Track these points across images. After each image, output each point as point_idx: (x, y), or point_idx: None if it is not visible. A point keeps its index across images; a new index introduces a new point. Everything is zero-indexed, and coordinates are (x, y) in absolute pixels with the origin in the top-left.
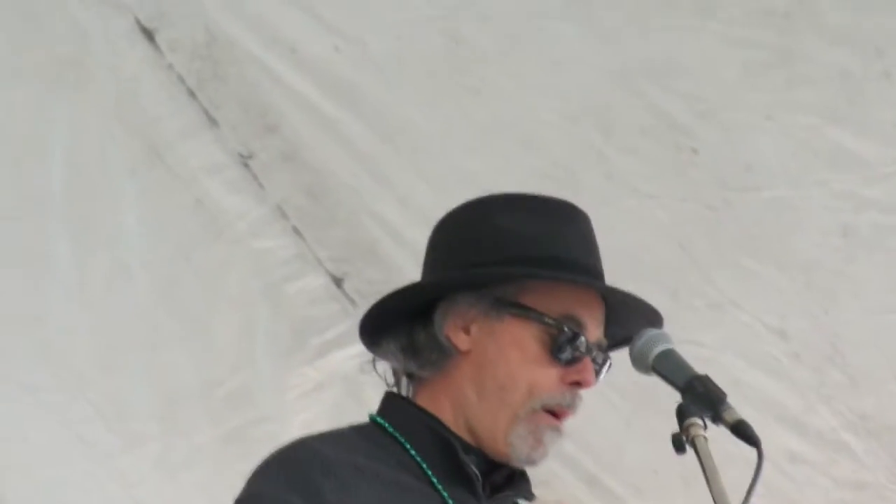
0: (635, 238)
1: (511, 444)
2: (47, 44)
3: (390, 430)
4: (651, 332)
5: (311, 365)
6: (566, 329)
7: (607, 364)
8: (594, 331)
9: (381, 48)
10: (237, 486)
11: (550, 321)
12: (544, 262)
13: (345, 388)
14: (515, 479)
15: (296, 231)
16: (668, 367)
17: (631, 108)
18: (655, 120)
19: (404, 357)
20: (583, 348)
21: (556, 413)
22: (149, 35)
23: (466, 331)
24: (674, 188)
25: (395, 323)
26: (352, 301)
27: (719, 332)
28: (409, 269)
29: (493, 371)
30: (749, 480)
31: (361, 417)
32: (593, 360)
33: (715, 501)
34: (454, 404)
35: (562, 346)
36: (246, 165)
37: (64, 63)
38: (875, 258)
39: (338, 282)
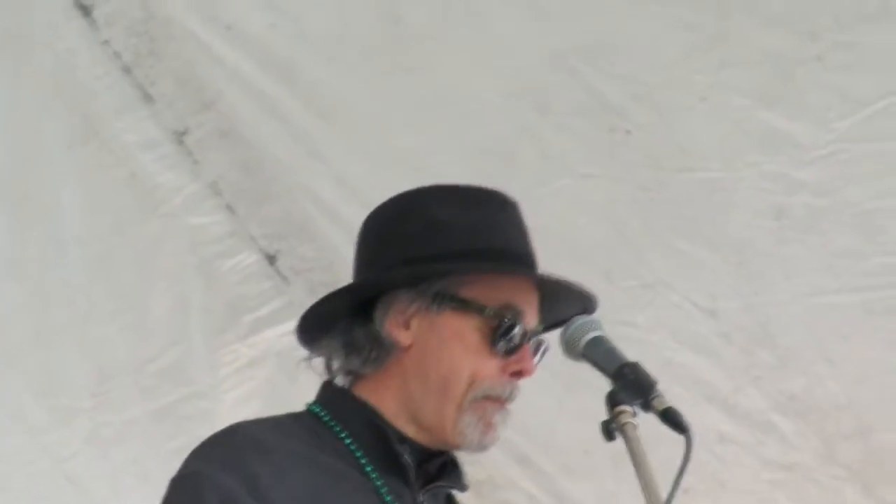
0: (569, 218)
1: (461, 432)
2: None
3: (326, 419)
4: (581, 320)
5: (243, 342)
6: (506, 319)
7: (543, 349)
8: (531, 318)
9: (317, 25)
10: (169, 461)
11: (490, 312)
12: (481, 253)
13: (277, 364)
14: (448, 469)
15: (229, 208)
16: (599, 355)
17: (567, 87)
18: (591, 100)
19: (346, 354)
20: (522, 337)
21: (497, 401)
22: (85, 10)
23: (407, 326)
24: (608, 168)
25: (333, 321)
26: (284, 279)
27: (651, 313)
28: (343, 247)
29: (436, 364)
30: (679, 460)
31: (294, 395)
32: (532, 348)
33: (643, 489)
34: (397, 398)
35: (501, 336)
36: (181, 142)
37: (3, 35)
38: (807, 240)
39: (271, 259)
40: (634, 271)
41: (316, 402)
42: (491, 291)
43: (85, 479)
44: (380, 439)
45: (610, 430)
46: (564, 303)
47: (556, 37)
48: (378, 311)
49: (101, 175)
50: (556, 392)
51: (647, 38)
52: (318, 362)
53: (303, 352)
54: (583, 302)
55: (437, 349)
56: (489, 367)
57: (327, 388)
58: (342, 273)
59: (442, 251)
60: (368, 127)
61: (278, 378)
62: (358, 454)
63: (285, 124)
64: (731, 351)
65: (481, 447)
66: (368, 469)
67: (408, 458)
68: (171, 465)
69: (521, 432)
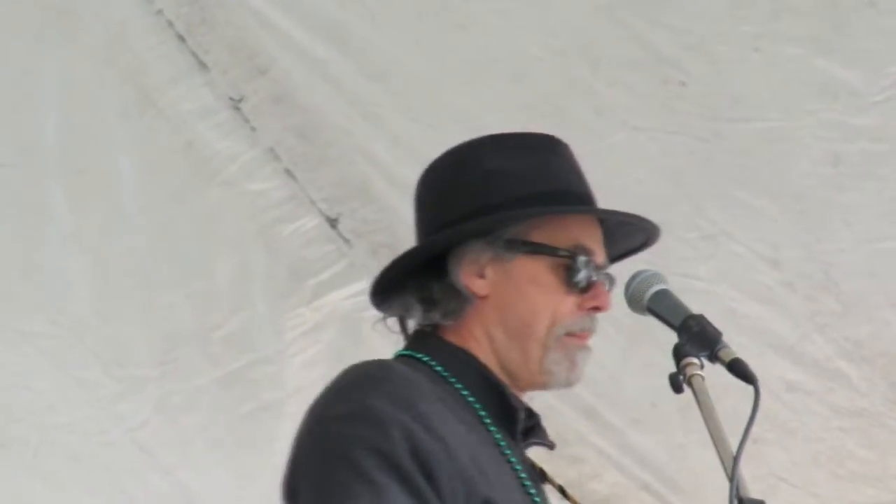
0: (626, 172)
1: (548, 370)
2: None
3: (439, 369)
4: (645, 274)
5: (307, 306)
6: (578, 258)
7: (613, 285)
8: (600, 254)
9: None
10: (238, 427)
11: (562, 252)
12: (544, 197)
13: (342, 327)
14: (537, 426)
15: (288, 173)
16: (663, 308)
17: (618, 41)
18: (643, 53)
19: (424, 309)
20: (595, 273)
21: (578, 337)
22: None
23: (481, 275)
24: (663, 121)
25: (405, 280)
26: (347, 241)
27: (713, 264)
28: (402, 207)
29: (515, 309)
30: (747, 410)
31: (360, 356)
32: (605, 283)
33: (713, 440)
34: (484, 348)
35: (576, 274)
36: (237, 108)
37: (53, 11)
38: (866, 186)
39: (332, 222)
40: (694, 223)
41: (417, 350)
42: (559, 232)
43: (156, 447)
44: (494, 392)
45: (677, 382)
46: (628, 236)
47: None
48: (451, 264)
49: (158, 144)
50: (621, 345)
51: None
52: (392, 322)
53: (368, 313)
54: (646, 232)
55: (515, 294)
56: (567, 304)
57: (425, 339)
58: (402, 233)
59: (506, 199)
60: (421, 87)
61: (343, 340)
62: (477, 406)
63: (339, 88)
64: (794, 299)
65: (568, 384)
66: (487, 422)
67: (521, 412)
68: (241, 430)
69: (587, 387)
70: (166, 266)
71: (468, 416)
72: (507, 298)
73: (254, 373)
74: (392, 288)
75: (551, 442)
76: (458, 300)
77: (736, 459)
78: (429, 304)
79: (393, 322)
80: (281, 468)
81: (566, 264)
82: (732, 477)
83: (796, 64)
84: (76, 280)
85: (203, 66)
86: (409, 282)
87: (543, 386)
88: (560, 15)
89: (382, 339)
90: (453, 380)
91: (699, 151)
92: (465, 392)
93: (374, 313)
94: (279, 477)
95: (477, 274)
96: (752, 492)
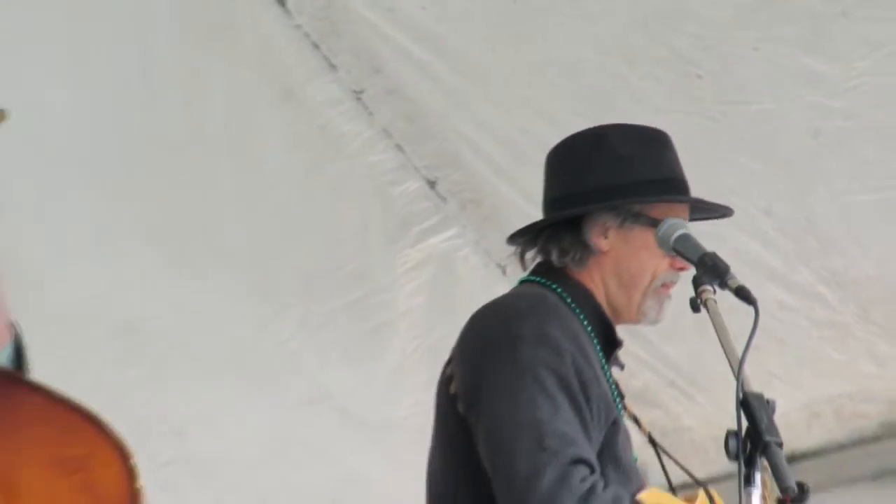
0: None
1: (644, 312)
2: (201, 12)
3: (568, 300)
4: (672, 221)
5: (412, 248)
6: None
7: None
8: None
9: (457, 6)
10: (364, 340)
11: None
12: (663, 183)
13: (439, 264)
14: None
15: (398, 147)
16: (685, 247)
17: (650, 45)
18: (669, 53)
19: (559, 254)
20: None
21: (666, 287)
22: (280, 2)
23: (605, 236)
24: (684, 105)
25: (542, 230)
26: (442, 199)
27: None
28: (484, 173)
29: (628, 266)
30: (749, 325)
31: (451, 287)
32: None
33: (723, 347)
34: (598, 289)
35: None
36: (358, 99)
37: (219, 26)
38: (839, 153)
39: (431, 184)
40: (707, 182)
41: (550, 281)
42: (667, 211)
43: (301, 356)
44: (605, 325)
45: (696, 304)
46: (707, 211)
47: (640, 7)
48: (585, 225)
49: (299, 128)
50: None
51: (710, 3)
52: (475, 258)
53: (458, 253)
54: (722, 212)
55: (629, 255)
56: (664, 264)
57: (554, 272)
58: (485, 192)
59: (635, 181)
60: (498, 81)
61: (439, 274)
62: (592, 334)
63: (437, 83)
64: (784, 240)
65: (655, 322)
66: (598, 347)
67: (621, 344)
68: (364, 343)
69: None
70: (306, 219)
71: (588, 339)
72: (623, 256)
73: (373, 299)
74: (533, 234)
75: (622, 364)
76: (586, 252)
77: (741, 362)
78: (561, 251)
79: (476, 258)
80: (394, 371)
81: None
82: (738, 375)
83: (786, 60)
84: (236, 226)
85: (332, 66)
86: (545, 230)
87: (636, 322)
88: (605, 26)
89: (469, 273)
90: (578, 310)
91: (710, 127)
92: (585, 321)
93: (462, 253)
94: (393, 377)
95: (603, 234)
96: (753, 386)
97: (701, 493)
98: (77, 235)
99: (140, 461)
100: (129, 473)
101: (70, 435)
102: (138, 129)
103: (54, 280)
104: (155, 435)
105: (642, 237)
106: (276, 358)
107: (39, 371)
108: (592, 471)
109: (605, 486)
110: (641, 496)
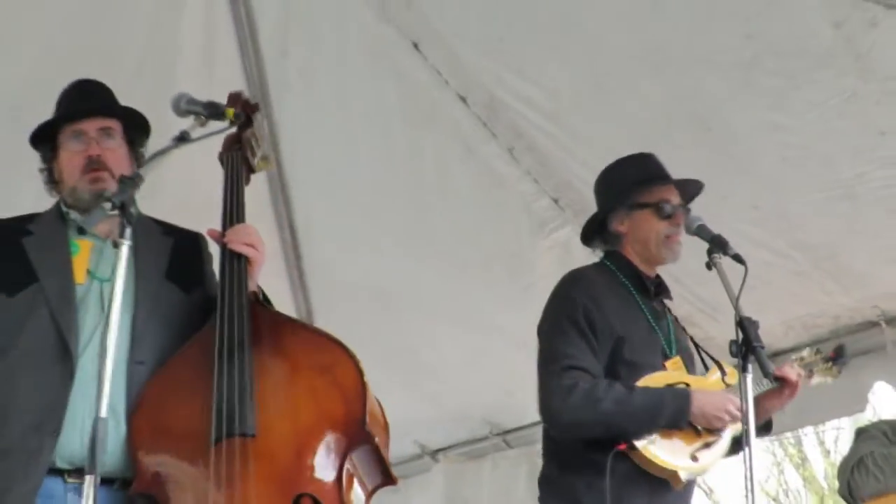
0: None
1: (663, 257)
2: (416, 104)
3: (612, 268)
4: (692, 216)
5: (546, 238)
6: (663, 203)
7: (689, 211)
8: (676, 199)
9: (567, 99)
10: (517, 294)
11: (655, 202)
12: (648, 179)
13: (561, 248)
14: (662, 286)
15: (535, 181)
16: (701, 231)
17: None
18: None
19: (603, 243)
20: (673, 208)
21: (671, 238)
22: (462, 99)
23: (622, 224)
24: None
25: (594, 228)
26: (562, 210)
27: (725, 212)
28: (587, 194)
29: (641, 236)
30: (741, 276)
31: (569, 262)
32: (682, 213)
33: (726, 291)
34: (632, 254)
35: (664, 211)
36: (511, 153)
37: (426, 113)
38: (800, 170)
39: (555, 201)
40: (717, 191)
41: (605, 259)
42: (658, 195)
43: (483, 307)
44: (636, 274)
45: (709, 265)
46: (686, 188)
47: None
48: (610, 222)
49: (478, 172)
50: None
51: (721, 77)
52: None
53: (572, 242)
54: (696, 186)
55: (638, 229)
56: (661, 226)
57: (608, 252)
58: (587, 205)
59: (629, 183)
60: (595, 143)
61: (561, 253)
62: (628, 284)
63: (557, 142)
64: (766, 223)
65: (675, 259)
66: (633, 292)
67: (650, 283)
68: (519, 296)
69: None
70: (486, 224)
71: (623, 291)
72: (636, 231)
73: (523, 268)
74: (589, 231)
75: (671, 297)
76: (616, 237)
77: (737, 297)
78: (604, 240)
79: (580, 245)
80: (535, 314)
81: (658, 207)
82: (736, 305)
83: (760, 113)
84: (449, 233)
85: (494, 135)
86: (597, 227)
87: (664, 263)
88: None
89: (577, 253)
90: (617, 272)
91: (718, 160)
92: (622, 278)
93: (574, 241)
94: (535, 318)
95: (620, 223)
96: (746, 312)
97: (713, 367)
98: (353, 234)
99: (380, 374)
100: (360, 373)
101: (321, 349)
102: (387, 174)
103: (339, 262)
104: (399, 359)
105: (642, 216)
106: (469, 305)
107: (326, 321)
108: (587, 374)
109: (610, 384)
110: (640, 381)
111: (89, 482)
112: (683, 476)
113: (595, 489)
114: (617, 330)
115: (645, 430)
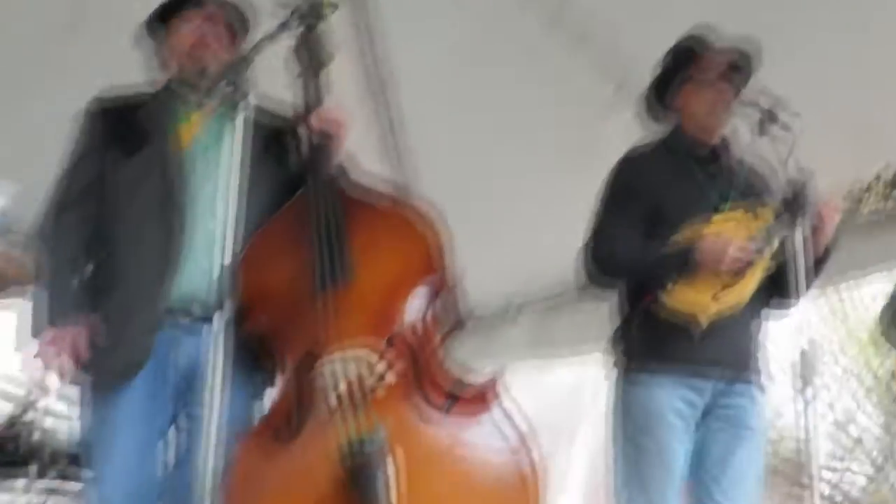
0: None
1: (715, 125)
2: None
3: (668, 141)
4: (740, 83)
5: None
6: (711, 74)
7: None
8: (722, 67)
9: None
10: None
11: (705, 76)
12: (691, 52)
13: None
14: (722, 151)
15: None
16: (749, 99)
17: None
18: None
19: (666, 117)
20: (719, 78)
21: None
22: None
23: (677, 99)
24: None
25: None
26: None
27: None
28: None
29: (693, 109)
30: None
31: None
32: None
33: (778, 160)
34: (689, 125)
35: (710, 80)
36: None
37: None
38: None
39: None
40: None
41: (664, 133)
42: (704, 66)
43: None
44: (687, 143)
45: (761, 130)
46: (741, 54)
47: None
48: (670, 101)
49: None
50: None
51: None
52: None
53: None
54: (751, 51)
55: (692, 102)
56: (709, 95)
57: (671, 129)
58: None
59: (675, 58)
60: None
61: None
62: (682, 156)
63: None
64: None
65: (725, 126)
66: (690, 162)
67: (699, 148)
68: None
69: None
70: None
71: (673, 159)
72: (690, 104)
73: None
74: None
75: (734, 161)
76: (675, 112)
77: (785, 162)
78: (663, 116)
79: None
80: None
81: (702, 79)
82: (783, 170)
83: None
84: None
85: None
86: (661, 109)
87: (717, 130)
88: None
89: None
90: (672, 143)
91: None
92: (676, 149)
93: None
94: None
95: (673, 99)
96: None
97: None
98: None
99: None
100: (439, 232)
101: (405, 210)
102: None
103: (435, 142)
104: (486, 222)
105: (690, 88)
106: (546, 179)
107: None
108: (619, 241)
109: (635, 246)
110: (677, 237)
111: (218, 318)
112: (703, 320)
113: (638, 339)
114: (658, 195)
115: (657, 284)
